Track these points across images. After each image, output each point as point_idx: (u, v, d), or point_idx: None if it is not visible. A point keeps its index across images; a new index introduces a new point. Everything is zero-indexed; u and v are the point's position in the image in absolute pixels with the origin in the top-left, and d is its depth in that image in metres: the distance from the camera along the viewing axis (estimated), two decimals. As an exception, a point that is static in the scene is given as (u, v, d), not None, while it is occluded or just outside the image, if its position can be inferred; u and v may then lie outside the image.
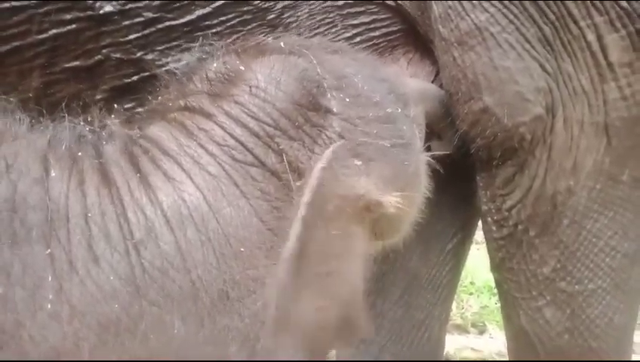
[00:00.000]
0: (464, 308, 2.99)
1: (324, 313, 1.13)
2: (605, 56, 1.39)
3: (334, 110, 1.21)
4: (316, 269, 1.12)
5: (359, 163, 1.19)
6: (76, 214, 1.07)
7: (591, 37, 1.39)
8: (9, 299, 1.00)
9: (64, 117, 1.19)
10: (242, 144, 1.18)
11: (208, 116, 1.21)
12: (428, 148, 1.40)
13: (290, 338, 1.10)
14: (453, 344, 2.67)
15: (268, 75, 1.22)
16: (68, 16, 1.41)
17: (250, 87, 1.21)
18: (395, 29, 1.56)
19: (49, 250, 1.03)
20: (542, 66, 1.41)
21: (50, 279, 1.02)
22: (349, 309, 1.18)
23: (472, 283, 3.13)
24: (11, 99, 1.19)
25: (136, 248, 1.06)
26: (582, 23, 1.38)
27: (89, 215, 1.07)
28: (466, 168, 1.57)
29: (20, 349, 1.00)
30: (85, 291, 1.03)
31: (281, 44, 1.29)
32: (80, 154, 1.14)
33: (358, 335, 1.22)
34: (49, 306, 1.01)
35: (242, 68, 1.23)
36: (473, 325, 2.90)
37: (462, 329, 2.87)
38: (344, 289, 1.17)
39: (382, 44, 1.57)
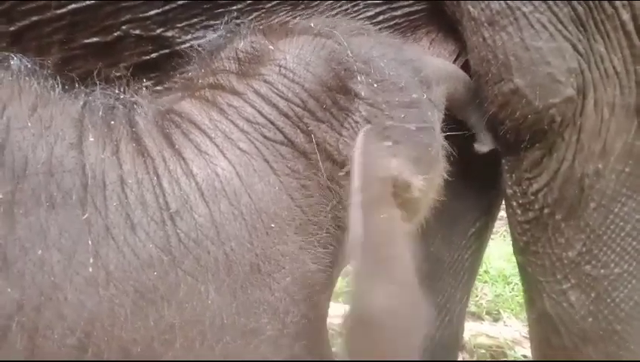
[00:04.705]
0: (479, 296, 2.99)
1: (393, 300, 1.12)
2: None
3: (362, 94, 1.21)
4: (378, 255, 1.11)
5: (389, 143, 1.20)
6: (113, 181, 1.07)
7: (625, 16, 1.36)
8: (46, 262, 1.00)
9: (96, 84, 1.19)
10: (272, 122, 1.18)
11: (238, 94, 1.21)
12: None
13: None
14: (468, 330, 2.66)
15: (297, 55, 1.22)
16: None
17: (279, 67, 1.21)
18: (417, 8, 1.53)
19: (86, 215, 1.03)
20: (574, 47, 1.38)
21: (86, 244, 1.01)
22: (409, 291, 1.16)
23: (486, 271, 3.13)
24: (45, 64, 1.18)
25: (172, 218, 1.07)
26: (617, 3, 1.36)
27: (127, 182, 1.07)
28: (490, 151, 1.54)
29: (57, 311, 1.00)
30: (122, 258, 1.03)
31: (311, 24, 1.28)
32: (113, 122, 1.14)
33: (424, 319, 1.19)
34: (86, 271, 1.01)
35: (271, 47, 1.23)
36: (488, 313, 2.90)
37: (477, 316, 2.87)
38: (402, 271, 1.15)
39: (404, 24, 1.54)
